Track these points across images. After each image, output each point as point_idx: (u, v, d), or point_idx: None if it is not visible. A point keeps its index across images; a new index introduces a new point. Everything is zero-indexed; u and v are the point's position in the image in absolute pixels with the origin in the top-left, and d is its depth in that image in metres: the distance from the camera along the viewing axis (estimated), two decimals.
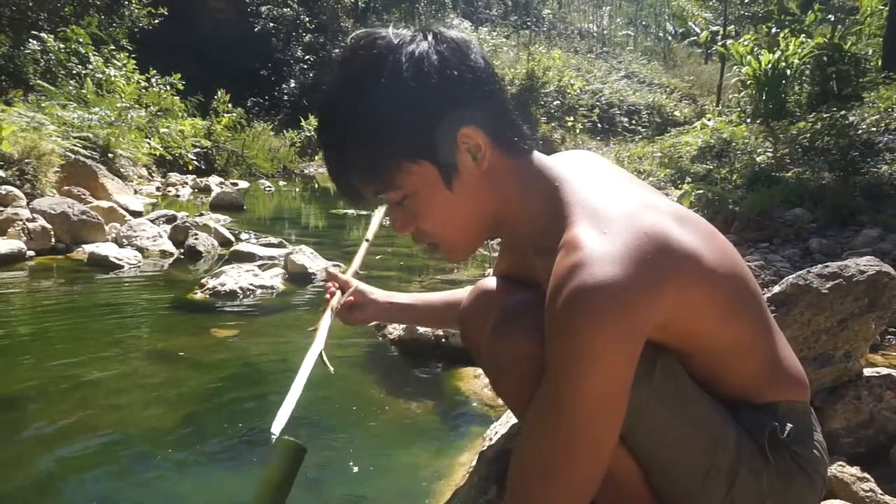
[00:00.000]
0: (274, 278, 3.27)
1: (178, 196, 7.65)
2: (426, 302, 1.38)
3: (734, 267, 0.92)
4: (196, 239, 4.07)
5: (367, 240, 1.24)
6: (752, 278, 0.97)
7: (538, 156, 0.96)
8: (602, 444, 0.83)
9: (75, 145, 6.06)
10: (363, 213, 6.37)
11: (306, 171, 12.79)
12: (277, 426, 0.92)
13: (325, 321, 1.17)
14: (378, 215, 1.25)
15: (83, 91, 8.01)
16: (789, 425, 0.93)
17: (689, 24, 21.53)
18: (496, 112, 0.92)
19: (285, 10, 16.98)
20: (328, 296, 1.28)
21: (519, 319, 0.93)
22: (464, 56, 0.89)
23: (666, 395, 0.89)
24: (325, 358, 1.07)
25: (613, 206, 0.86)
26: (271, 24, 16.75)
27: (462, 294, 1.31)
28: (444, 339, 2.36)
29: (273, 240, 4.49)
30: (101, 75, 8.67)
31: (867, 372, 1.54)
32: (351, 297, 1.29)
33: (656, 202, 0.91)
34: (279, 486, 0.97)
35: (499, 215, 0.96)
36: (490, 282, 1.19)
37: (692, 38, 21.37)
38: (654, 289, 0.80)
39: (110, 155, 6.97)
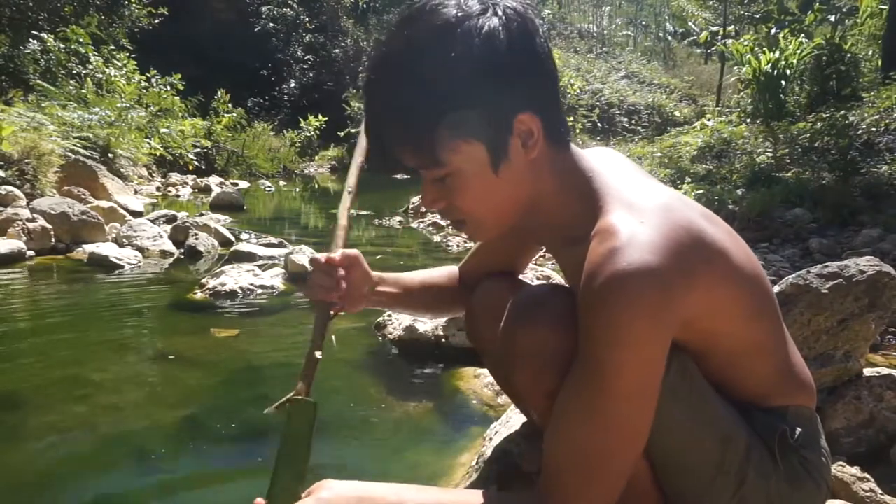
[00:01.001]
0: (274, 278, 3.27)
1: (178, 196, 7.64)
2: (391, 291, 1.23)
3: (755, 268, 0.92)
4: (196, 239, 4.07)
5: (349, 191, 1.18)
6: (769, 281, 0.97)
7: (574, 148, 0.95)
8: (638, 432, 0.82)
9: (75, 145, 6.06)
10: (362, 213, 6.38)
11: (306, 171, 12.80)
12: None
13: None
14: (356, 161, 1.18)
15: (83, 91, 8.01)
16: (799, 429, 0.93)
17: (689, 24, 21.55)
18: (551, 101, 0.90)
19: (285, 10, 16.96)
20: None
21: (537, 311, 0.91)
22: (531, 38, 0.85)
23: (680, 394, 0.89)
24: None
25: (648, 199, 0.85)
26: (271, 24, 16.74)
27: (421, 276, 1.28)
28: (444, 339, 2.36)
29: (273, 240, 4.48)
30: (101, 75, 8.67)
31: (867, 372, 1.54)
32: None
33: (685, 199, 0.91)
34: (302, 445, 0.97)
35: (532, 202, 0.93)
36: (498, 277, 1.18)
37: (692, 38, 21.38)
38: (689, 281, 0.80)
39: (110, 155, 6.97)
